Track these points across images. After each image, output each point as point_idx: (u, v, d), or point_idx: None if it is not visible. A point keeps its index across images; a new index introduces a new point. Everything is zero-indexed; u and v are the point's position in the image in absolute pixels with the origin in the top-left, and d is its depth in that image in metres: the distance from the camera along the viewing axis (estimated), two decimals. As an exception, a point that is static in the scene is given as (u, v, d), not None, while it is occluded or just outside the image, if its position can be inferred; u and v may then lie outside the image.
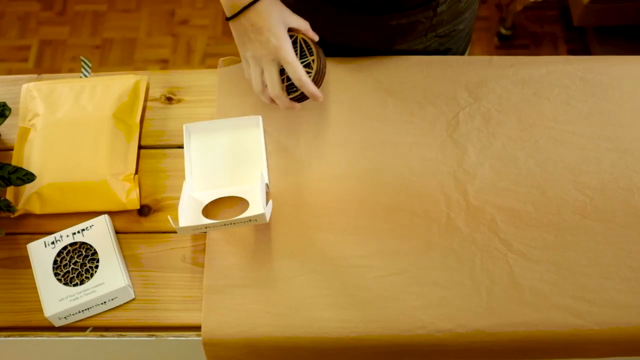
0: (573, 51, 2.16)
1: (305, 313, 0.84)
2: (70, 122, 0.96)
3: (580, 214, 0.90)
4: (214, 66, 1.05)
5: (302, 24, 0.92)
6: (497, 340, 0.83)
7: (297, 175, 0.93)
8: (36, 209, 0.91)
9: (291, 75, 0.88)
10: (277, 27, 0.88)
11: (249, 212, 0.88)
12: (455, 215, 0.90)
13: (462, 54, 1.16)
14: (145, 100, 1.02)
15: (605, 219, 0.89)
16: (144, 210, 0.93)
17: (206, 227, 0.86)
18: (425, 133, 0.95)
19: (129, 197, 0.92)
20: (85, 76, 1.04)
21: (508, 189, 0.92)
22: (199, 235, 0.91)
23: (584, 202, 0.90)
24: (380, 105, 0.98)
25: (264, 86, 0.91)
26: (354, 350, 0.84)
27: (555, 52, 2.17)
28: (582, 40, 2.18)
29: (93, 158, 0.93)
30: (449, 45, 1.09)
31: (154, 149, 0.98)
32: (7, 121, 0.96)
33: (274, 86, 0.89)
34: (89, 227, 0.89)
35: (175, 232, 0.91)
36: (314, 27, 0.94)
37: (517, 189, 0.91)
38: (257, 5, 0.87)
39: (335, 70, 1.02)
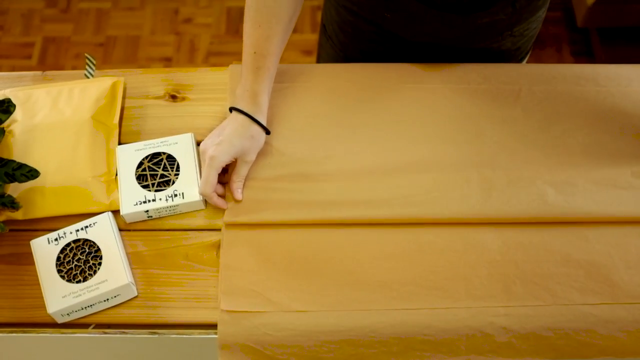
0: (577, 53, 2.16)
1: (330, 321, 0.84)
2: (49, 127, 0.96)
3: None
4: (218, 64, 1.06)
5: (242, 171, 0.92)
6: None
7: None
8: (19, 214, 0.91)
9: (202, 178, 0.90)
10: (230, 145, 0.89)
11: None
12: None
13: (527, 52, 1.16)
14: (124, 98, 1.02)
15: None
16: (147, 208, 0.94)
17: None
18: (449, 167, 0.95)
19: (110, 197, 0.92)
20: (90, 74, 1.04)
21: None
22: (202, 234, 0.91)
23: None
24: (404, 144, 0.97)
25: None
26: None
27: (559, 53, 2.17)
28: (585, 41, 2.18)
29: (73, 161, 0.93)
30: (519, 44, 1.10)
31: (158, 146, 0.98)
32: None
33: (205, 185, 0.89)
34: (92, 224, 0.89)
35: (179, 230, 0.92)
36: (392, 25, 0.95)
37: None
38: (244, 118, 0.91)
39: (362, 95, 1.01)
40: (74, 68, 2.17)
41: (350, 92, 1.01)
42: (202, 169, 0.92)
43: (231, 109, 0.94)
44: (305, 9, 2.26)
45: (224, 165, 0.90)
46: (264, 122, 0.93)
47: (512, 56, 1.11)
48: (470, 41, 1.04)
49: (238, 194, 0.91)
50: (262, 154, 0.94)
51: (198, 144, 0.96)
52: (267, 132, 0.94)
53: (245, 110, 0.92)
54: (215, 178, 0.89)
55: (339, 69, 1.05)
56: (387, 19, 1.04)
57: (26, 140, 0.95)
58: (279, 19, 0.92)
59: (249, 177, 0.93)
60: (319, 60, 1.27)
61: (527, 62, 1.15)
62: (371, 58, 1.09)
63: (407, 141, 0.97)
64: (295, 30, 0.99)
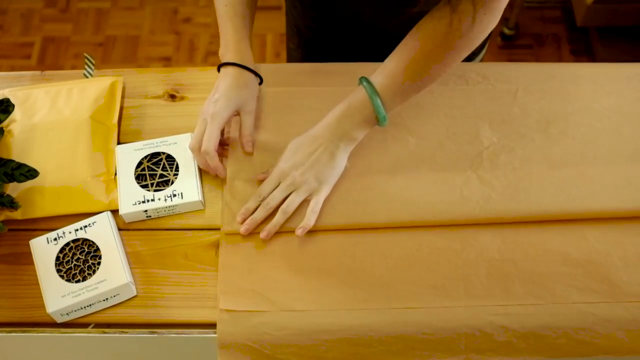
0: (576, 52, 2.16)
1: (329, 320, 0.84)
2: (48, 126, 0.96)
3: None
4: (217, 64, 1.05)
5: (248, 123, 0.92)
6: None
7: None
8: (17, 214, 0.91)
9: (205, 134, 0.89)
10: (227, 99, 0.90)
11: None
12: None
13: (482, 48, 1.15)
14: (123, 98, 1.02)
15: None
16: (146, 208, 0.94)
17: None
18: (448, 169, 0.95)
19: (110, 197, 0.92)
20: (90, 73, 1.04)
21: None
22: (202, 233, 0.91)
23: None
24: (403, 145, 0.97)
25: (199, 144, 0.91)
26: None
27: (558, 52, 2.17)
28: (585, 40, 2.18)
29: (72, 161, 0.93)
30: None
31: (157, 146, 0.98)
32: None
33: (209, 141, 0.89)
34: (91, 224, 0.89)
35: (178, 230, 0.91)
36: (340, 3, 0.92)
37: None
38: (233, 69, 0.92)
39: None
40: (73, 68, 2.17)
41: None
42: (197, 129, 0.91)
43: (219, 68, 0.95)
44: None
45: (226, 120, 0.91)
46: (253, 68, 0.94)
47: None
48: (408, 28, 1.04)
49: (249, 147, 0.93)
50: (261, 155, 0.94)
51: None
52: (260, 79, 0.95)
53: (232, 61, 0.93)
54: (218, 135, 0.89)
55: (333, 69, 1.05)
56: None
57: (25, 140, 0.95)
58: None
59: (248, 183, 0.92)
60: (287, 39, 1.28)
61: (504, 61, 1.14)
62: (320, 36, 1.09)
63: (405, 143, 0.97)
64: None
